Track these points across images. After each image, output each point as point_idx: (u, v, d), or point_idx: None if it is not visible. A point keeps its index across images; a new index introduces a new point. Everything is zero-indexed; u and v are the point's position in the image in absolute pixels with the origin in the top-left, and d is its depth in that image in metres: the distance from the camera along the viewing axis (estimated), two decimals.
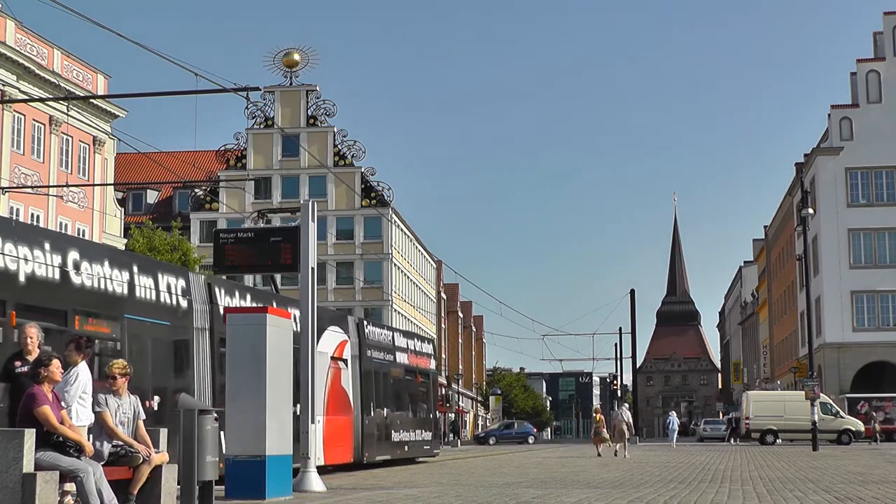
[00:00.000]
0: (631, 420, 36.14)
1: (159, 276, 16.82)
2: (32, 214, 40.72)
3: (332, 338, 24.07)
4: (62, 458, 9.23)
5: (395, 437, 29.03)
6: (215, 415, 12.25)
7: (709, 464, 26.19)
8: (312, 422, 16.11)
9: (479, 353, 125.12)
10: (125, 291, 15.63)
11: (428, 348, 33.75)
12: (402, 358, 30.23)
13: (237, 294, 19.74)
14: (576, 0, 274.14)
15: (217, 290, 18.75)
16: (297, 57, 73.25)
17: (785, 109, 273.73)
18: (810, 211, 40.96)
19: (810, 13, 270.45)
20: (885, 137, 61.37)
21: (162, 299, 16.71)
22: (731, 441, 58.73)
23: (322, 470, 21.22)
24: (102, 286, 15.04)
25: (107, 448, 10.04)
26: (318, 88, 74.65)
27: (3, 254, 13.02)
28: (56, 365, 9.55)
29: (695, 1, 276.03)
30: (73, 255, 14.47)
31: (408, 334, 33.18)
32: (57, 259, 14.01)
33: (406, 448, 30.14)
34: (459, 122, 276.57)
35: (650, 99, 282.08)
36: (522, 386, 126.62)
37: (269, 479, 13.33)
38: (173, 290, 17.23)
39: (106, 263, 15.25)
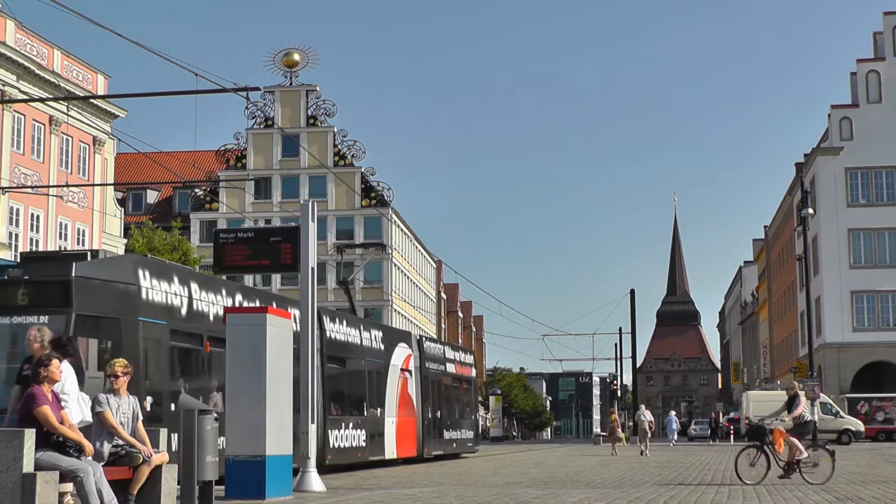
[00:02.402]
0: (653, 420, 38.89)
1: (289, 310, 20.71)
2: (32, 214, 40.70)
3: (401, 353, 29.16)
4: (62, 458, 9.22)
5: (447, 435, 33.84)
6: (215, 415, 12.27)
7: (709, 464, 26.20)
8: (312, 422, 16.10)
9: (479, 353, 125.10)
10: None
11: (469, 359, 38.72)
12: (451, 368, 34.98)
13: (337, 320, 24.73)
14: (574, 2, 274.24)
15: (325, 317, 23.75)
16: (297, 57, 73.19)
17: (785, 109, 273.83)
18: (810, 211, 40.96)
19: (810, 13, 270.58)
20: (885, 137, 61.35)
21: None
22: (712, 441, 58.79)
23: (393, 462, 27.88)
24: None
25: (107, 448, 10.03)
26: (318, 88, 74.63)
27: (200, 300, 18.03)
28: (56, 365, 9.54)
29: (695, 1, 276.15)
30: (238, 297, 19.62)
31: (454, 347, 38.54)
32: (229, 301, 19.01)
33: (454, 445, 34.85)
34: (459, 122, 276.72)
35: (650, 99, 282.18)
36: (522, 386, 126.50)
37: (269, 479, 13.32)
38: (294, 320, 20.91)
39: (257, 301, 20.27)
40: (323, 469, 22.39)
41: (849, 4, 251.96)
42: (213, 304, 18.31)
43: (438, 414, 32.69)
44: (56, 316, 14.52)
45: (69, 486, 9.32)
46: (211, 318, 18.14)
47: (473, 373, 38.95)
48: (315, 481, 15.67)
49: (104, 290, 15.57)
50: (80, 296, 15.01)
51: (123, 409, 10.27)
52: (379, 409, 26.98)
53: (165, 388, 16.84)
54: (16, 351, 15.28)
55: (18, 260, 17.72)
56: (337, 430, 23.82)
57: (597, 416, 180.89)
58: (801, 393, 18.25)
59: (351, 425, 24.63)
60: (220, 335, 17.31)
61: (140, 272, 16.44)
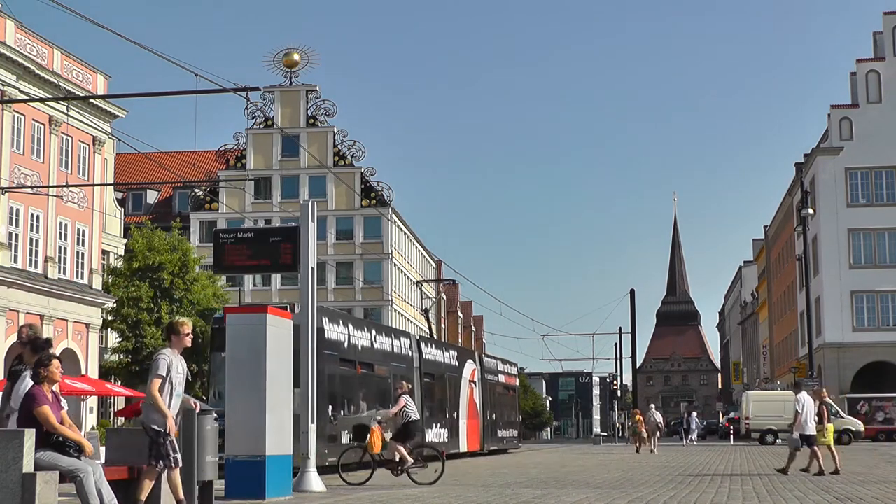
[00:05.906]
0: (661, 420, 42.98)
1: (401, 339, 30.00)
2: (32, 214, 40.67)
3: (469, 367, 36.77)
4: (62, 458, 9.22)
5: (499, 433, 41.39)
6: (215, 415, 12.27)
7: (709, 464, 26.21)
8: (312, 422, 16.08)
9: (479, 353, 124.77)
10: (391, 349, 28.39)
11: (514, 370, 46.54)
12: (501, 378, 42.70)
13: (429, 345, 32.97)
14: (575, 1, 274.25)
15: (422, 343, 31.97)
16: (297, 57, 73.18)
17: (785, 109, 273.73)
18: (810, 211, 40.98)
19: (810, 13, 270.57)
20: (885, 137, 61.33)
21: (402, 352, 29.44)
22: (684, 442, 58.86)
23: (460, 455, 33.96)
24: (383, 347, 27.72)
25: None
26: (318, 88, 74.61)
27: (352, 335, 25.35)
28: (56, 365, 9.54)
29: (695, 1, 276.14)
30: (374, 332, 27.49)
31: (504, 361, 45.38)
32: (369, 334, 26.94)
33: (504, 442, 42.31)
34: (460, 123, 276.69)
35: (650, 99, 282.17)
36: (522, 386, 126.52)
37: (269, 479, 13.30)
38: (404, 346, 29.84)
39: (383, 334, 28.15)
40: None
41: (849, 4, 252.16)
42: (359, 338, 25.38)
43: (494, 416, 39.96)
44: None
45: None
46: (359, 348, 25.59)
47: (517, 382, 46.58)
48: (315, 481, 15.65)
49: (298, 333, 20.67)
50: None
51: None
52: (455, 413, 34.23)
53: (339, 397, 24.58)
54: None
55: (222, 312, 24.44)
56: (429, 429, 30.42)
57: (597, 416, 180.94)
58: (407, 394, 18.39)
59: (438, 425, 32.12)
60: (367, 360, 26.18)
61: (322, 318, 22.32)
